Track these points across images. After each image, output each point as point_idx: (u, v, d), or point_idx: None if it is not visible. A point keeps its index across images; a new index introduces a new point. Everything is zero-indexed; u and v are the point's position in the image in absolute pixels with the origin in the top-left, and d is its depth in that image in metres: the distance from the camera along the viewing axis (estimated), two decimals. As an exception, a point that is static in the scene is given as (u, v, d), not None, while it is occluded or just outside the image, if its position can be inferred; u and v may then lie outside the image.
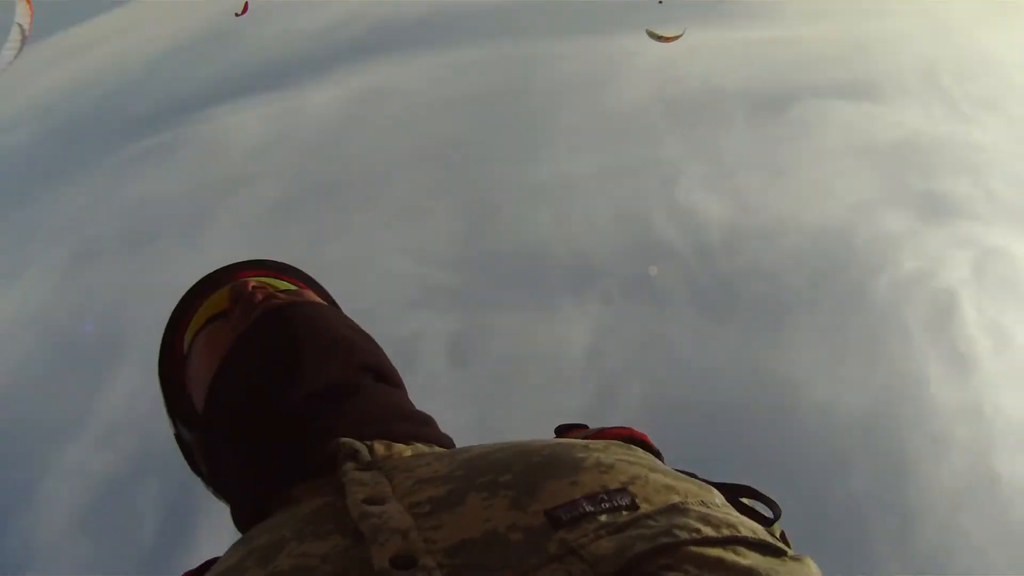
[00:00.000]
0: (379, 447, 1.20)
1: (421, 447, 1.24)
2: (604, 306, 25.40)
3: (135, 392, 24.09)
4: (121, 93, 44.09)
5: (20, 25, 12.84)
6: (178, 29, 42.84)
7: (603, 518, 0.86)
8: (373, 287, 27.02)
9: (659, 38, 23.52)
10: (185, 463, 1.68)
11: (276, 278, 1.77)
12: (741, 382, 22.46)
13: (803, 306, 24.35)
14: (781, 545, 0.87)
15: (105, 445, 22.98)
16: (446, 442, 1.32)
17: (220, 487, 1.54)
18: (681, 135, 31.98)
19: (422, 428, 1.32)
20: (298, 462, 1.24)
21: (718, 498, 0.96)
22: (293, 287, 1.76)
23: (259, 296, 1.54)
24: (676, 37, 23.38)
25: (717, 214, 28.06)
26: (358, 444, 1.17)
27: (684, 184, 29.46)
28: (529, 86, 37.86)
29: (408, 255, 28.48)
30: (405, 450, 1.21)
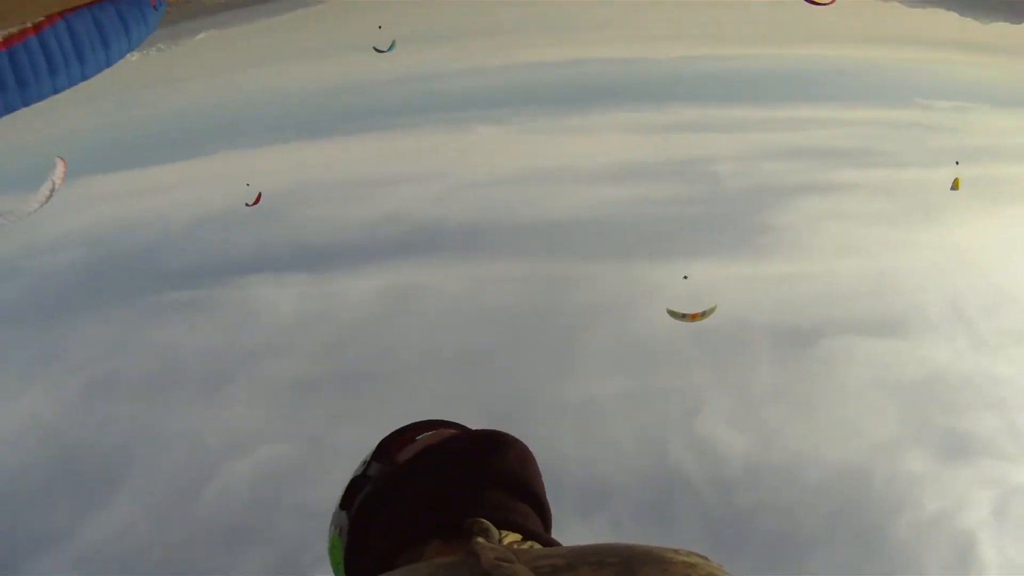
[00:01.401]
0: (510, 536, 1.48)
1: (537, 545, 1.51)
2: (613, 529, 25.20)
3: (123, 525, 24.26)
4: (167, 243, 45.64)
5: (53, 181, 13.28)
6: (231, 194, 44.37)
7: None
8: None
9: (682, 317, 23.78)
10: (341, 497, 1.88)
11: None
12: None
13: (819, 546, 24.05)
14: None
15: (79, 568, 23.29)
16: None
17: (368, 522, 1.75)
18: (707, 365, 32.21)
19: (546, 538, 1.58)
20: (440, 522, 1.53)
21: None
22: None
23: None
24: (701, 316, 23.54)
25: (737, 446, 28.05)
26: (491, 525, 1.45)
27: (706, 414, 29.70)
28: (562, 304, 38.71)
29: None
30: (527, 543, 1.50)
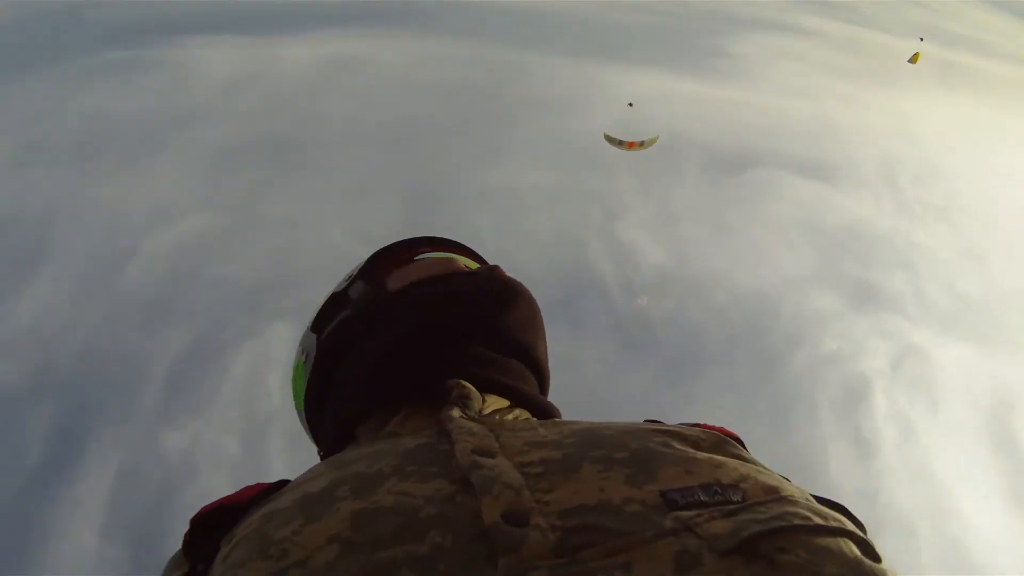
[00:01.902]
0: (492, 400, 1.20)
1: (527, 416, 1.24)
2: None
3: (45, 304, 23.73)
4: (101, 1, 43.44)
5: None
6: None
7: (717, 505, 0.83)
8: (304, 250, 26.83)
9: (619, 144, 21.82)
10: (317, 314, 1.59)
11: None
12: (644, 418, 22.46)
13: (718, 363, 24.48)
14: (879, 551, 0.83)
15: (2, 356, 22.44)
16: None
17: (338, 354, 1.46)
18: (637, 173, 31.94)
19: (545, 406, 1.30)
20: (414, 382, 1.23)
21: (816, 502, 0.90)
22: None
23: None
24: (640, 146, 21.81)
25: (653, 256, 28.22)
26: (474, 391, 1.17)
27: (627, 220, 29.64)
28: (509, 91, 38.09)
29: (345, 228, 28.42)
30: (513, 412, 1.22)
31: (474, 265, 1.66)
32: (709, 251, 28.62)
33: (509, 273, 1.53)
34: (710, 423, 1.12)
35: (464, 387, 1.17)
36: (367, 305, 1.48)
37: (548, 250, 28.05)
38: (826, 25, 49.36)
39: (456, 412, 1.09)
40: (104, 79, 36.87)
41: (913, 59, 32.12)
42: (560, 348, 24.20)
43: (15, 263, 25.72)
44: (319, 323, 1.57)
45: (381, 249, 1.69)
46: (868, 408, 24.43)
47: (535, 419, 1.22)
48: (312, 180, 30.72)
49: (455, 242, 1.79)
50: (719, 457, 0.95)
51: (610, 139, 21.32)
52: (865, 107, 40.26)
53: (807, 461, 22.44)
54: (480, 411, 1.15)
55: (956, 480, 23.16)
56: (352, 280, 1.59)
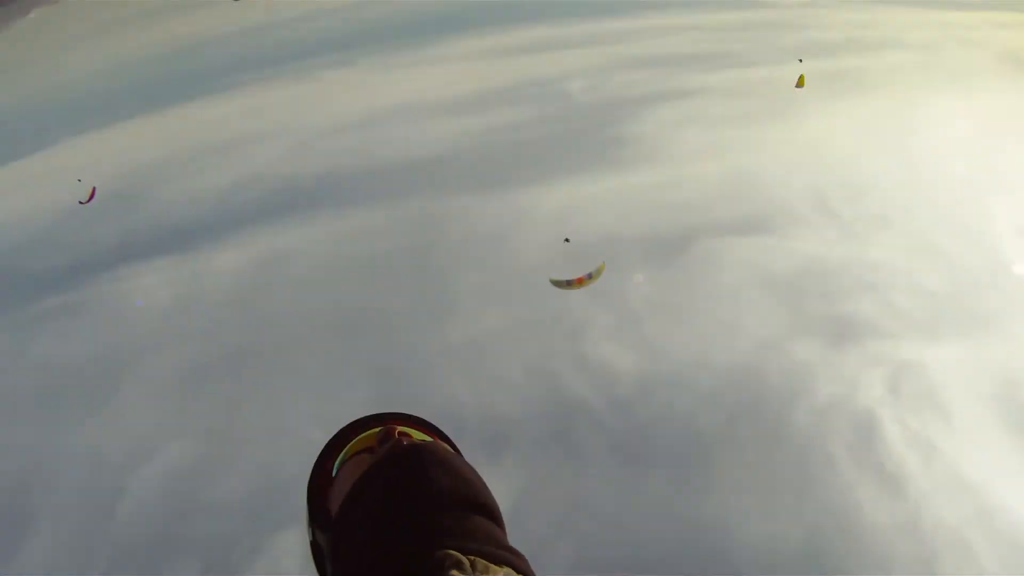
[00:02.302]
0: (479, 563, 1.44)
1: (511, 571, 1.50)
2: (523, 466, 25.06)
3: (42, 565, 23.23)
4: (28, 247, 43.13)
5: None
6: (82, 186, 42.39)
7: None
8: (287, 457, 26.44)
9: (567, 285, 22.01)
10: (314, 565, 1.87)
11: (417, 430, 2.15)
12: (673, 527, 22.15)
13: (725, 447, 24.23)
14: None
15: None
16: (530, 574, 1.56)
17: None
18: (584, 288, 32.13)
19: (516, 560, 1.56)
20: (409, 564, 1.45)
21: None
22: (429, 438, 2.10)
23: (405, 439, 1.84)
24: (588, 280, 21.64)
25: (626, 363, 28.03)
26: (463, 557, 1.42)
27: (590, 336, 29.55)
28: (432, 244, 38.24)
29: (322, 424, 27.90)
30: (499, 570, 1.46)
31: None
32: (677, 340, 28.53)
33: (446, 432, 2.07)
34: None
35: (452, 555, 1.40)
36: (333, 546, 1.72)
37: (524, 390, 27.82)
38: (710, 80, 50.51)
39: (456, 572, 1.33)
40: (47, 326, 36.38)
41: (799, 83, 32.91)
42: (565, 486, 24.02)
43: (3, 536, 24.81)
44: (320, 570, 1.84)
45: (310, 478, 1.97)
46: (883, 441, 24.06)
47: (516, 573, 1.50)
48: (277, 383, 30.13)
49: (363, 420, 2.11)
50: None
51: (557, 283, 21.89)
52: (773, 146, 41.06)
53: (841, 514, 22.09)
54: (473, 568, 1.38)
55: (991, 477, 22.81)
56: (311, 529, 1.88)
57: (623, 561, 21.34)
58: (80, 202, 32.93)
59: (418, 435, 2.08)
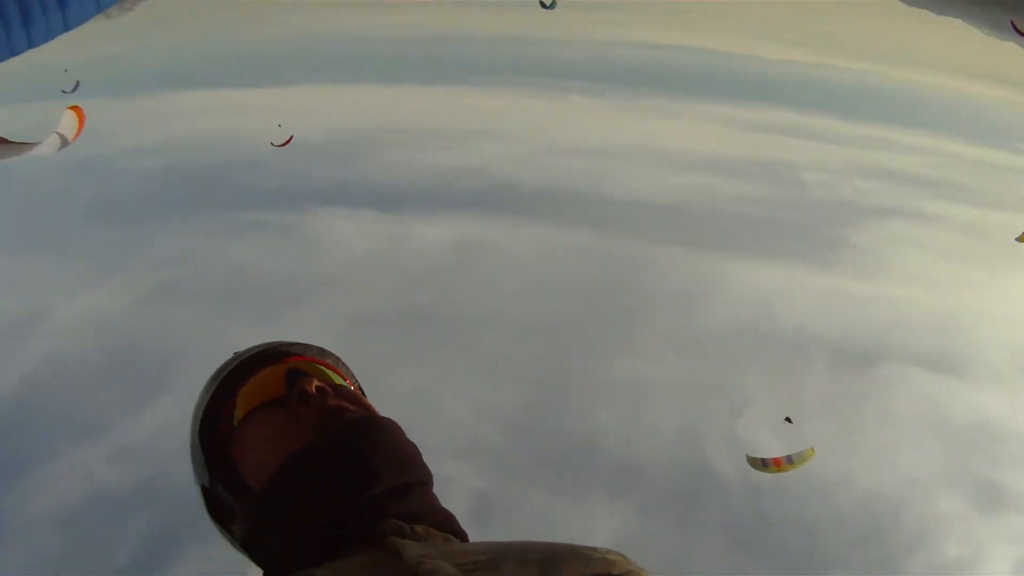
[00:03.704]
0: (420, 530, 1.49)
1: (450, 536, 1.54)
2: (638, 513, 25.45)
3: (164, 424, 24.57)
4: (246, 165, 45.95)
5: (62, 135, 11.71)
6: (313, 126, 44.62)
7: None
8: (425, 424, 27.34)
9: (763, 466, 19.30)
10: (206, 510, 1.82)
11: (321, 364, 2.00)
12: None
13: (835, 569, 23.89)
14: None
15: (115, 462, 24.41)
16: (463, 536, 1.60)
17: (256, 544, 1.70)
18: (761, 368, 32.20)
19: (450, 523, 1.60)
20: (350, 534, 1.49)
21: None
22: (341, 379, 2.00)
23: (331, 402, 1.75)
24: (788, 465, 18.89)
25: (775, 454, 27.70)
26: (404, 525, 1.47)
27: (749, 416, 29.45)
28: (634, 283, 38.73)
29: (470, 406, 29.32)
30: (439, 535, 1.52)
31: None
32: (832, 449, 27.76)
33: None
34: None
35: (393, 522, 1.45)
36: (255, 517, 1.66)
37: (668, 444, 28.19)
38: (948, 209, 48.55)
39: (396, 538, 1.39)
40: (245, 236, 39.32)
41: (1021, 238, 31.34)
42: (673, 546, 24.09)
43: (140, 384, 27.40)
44: (222, 524, 1.80)
45: (202, 417, 1.84)
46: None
47: (454, 539, 1.53)
48: (441, 357, 31.65)
49: (271, 349, 1.96)
50: (612, 557, 1.36)
51: (753, 462, 19.45)
52: (994, 294, 39.23)
53: None
54: (414, 531, 1.46)
55: None
56: (208, 474, 1.79)
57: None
58: (272, 143, 34.59)
59: (331, 375, 1.94)
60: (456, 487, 23.64)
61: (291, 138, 34.96)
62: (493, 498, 24.78)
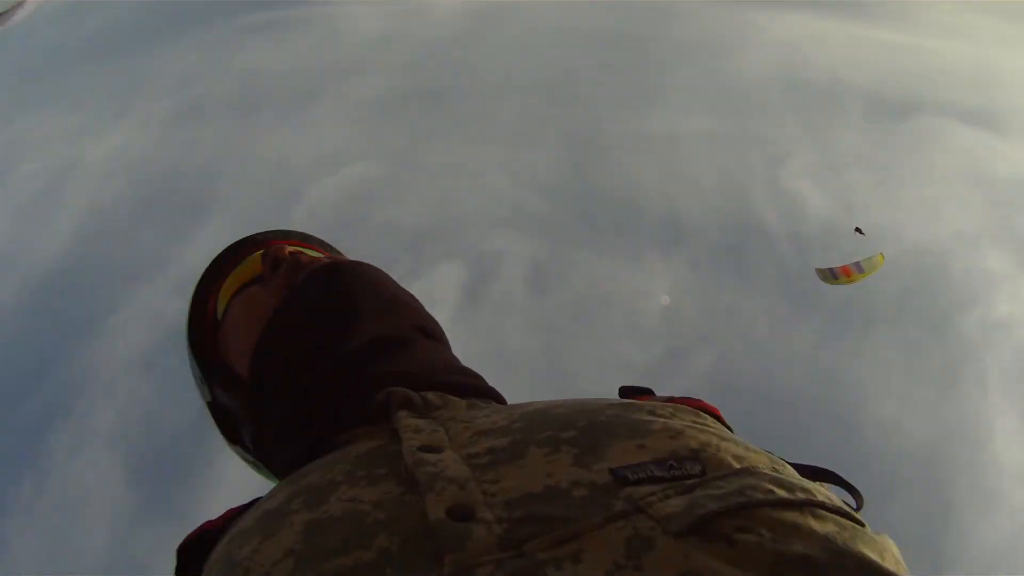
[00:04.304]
0: (433, 397, 1.16)
1: (476, 401, 1.21)
2: (689, 268, 25.59)
3: (214, 247, 24.68)
4: None
5: None
6: None
7: (672, 480, 0.82)
8: (466, 198, 27.44)
9: (832, 278, 18.34)
10: (219, 431, 1.63)
11: (307, 247, 1.77)
12: (810, 376, 22.37)
13: (886, 320, 24.05)
14: (859, 516, 0.82)
15: (177, 293, 23.46)
16: (498, 397, 1.30)
17: (264, 446, 1.47)
18: (797, 118, 31.45)
19: (474, 381, 1.30)
20: (348, 410, 1.21)
21: (791, 470, 0.89)
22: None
23: (303, 258, 1.54)
24: (859, 274, 17.98)
25: (818, 205, 27.67)
26: (411, 393, 1.15)
27: (791, 167, 28.98)
28: (660, 35, 37.61)
29: (507, 175, 28.88)
30: (460, 402, 1.17)
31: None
32: (874, 200, 27.81)
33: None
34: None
35: (399, 391, 1.14)
36: (247, 404, 1.47)
37: (710, 197, 28.12)
38: None
39: (404, 412, 1.09)
40: (255, 39, 37.83)
41: None
42: (724, 299, 24.26)
43: (182, 215, 27.35)
44: (230, 435, 1.60)
45: (188, 330, 1.68)
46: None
47: (489, 405, 1.20)
48: (470, 128, 31.40)
49: (249, 239, 1.81)
50: (677, 425, 0.91)
51: (821, 273, 18.55)
52: None
53: (973, 432, 21.97)
54: (426, 407, 1.14)
55: None
56: (206, 385, 1.62)
57: (755, 385, 21.78)
58: None
59: (313, 253, 1.71)
60: (508, 258, 23.61)
61: None
62: (547, 264, 24.98)
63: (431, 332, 1.43)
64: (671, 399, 1.08)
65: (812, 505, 0.77)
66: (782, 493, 0.77)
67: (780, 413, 21.01)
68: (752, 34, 37.00)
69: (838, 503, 0.82)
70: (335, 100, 32.39)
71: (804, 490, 0.79)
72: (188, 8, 39.76)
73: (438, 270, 23.97)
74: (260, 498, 1.08)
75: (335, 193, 27.59)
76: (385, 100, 32.55)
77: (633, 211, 27.20)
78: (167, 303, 23.63)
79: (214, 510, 1.07)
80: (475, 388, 1.26)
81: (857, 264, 18.05)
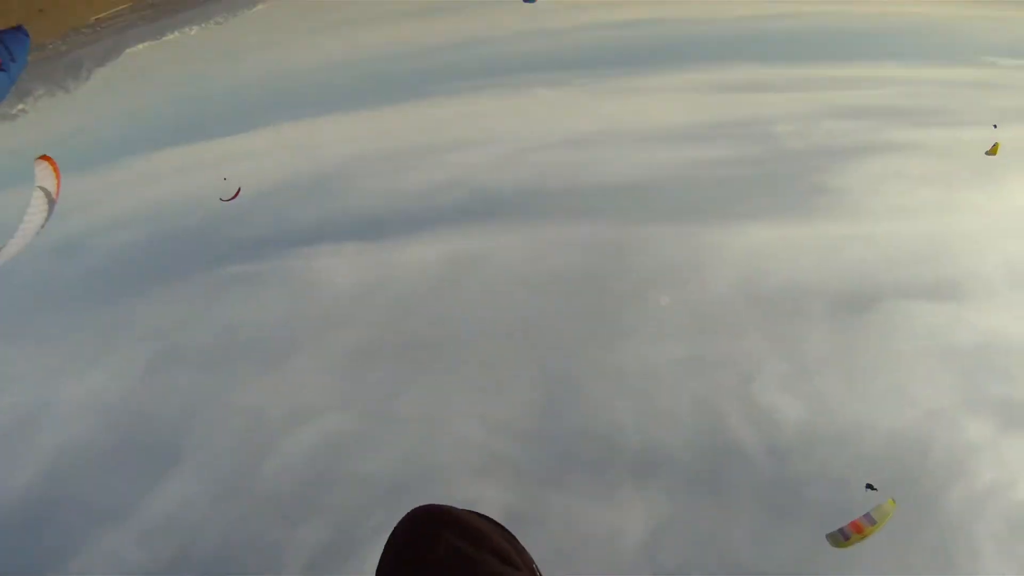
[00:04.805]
0: None
1: None
2: (667, 497, 25.78)
3: (185, 497, 25.44)
4: (228, 217, 44.65)
5: (44, 189, 11.08)
6: (290, 167, 45.06)
7: None
8: (439, 448, 27.66)
9: (843, 539, 17.38)
10: None
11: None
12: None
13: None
14: None
15: (143, 543, 24.33)
16: None
17: None
18: (763, 331, 32.48)
19: None
20: None
21: None
22: None
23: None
24: (870, 527, 17.17)
25: (792, 414, 28.28)
26: None
27: (761, 382, 29.82)
28: (621, 268, 38.85)
29: (480, 422, 29.34)
30: None
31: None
32: (847, 398, 28.67)
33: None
34: None
35: None
36: None
37: (685, 423, 28.50)
38: (921, 135, 48.55)
39: None
40: (233, 290, 39.24)
41: (992, 151, 31.42)
42: (708, 525, 24.39)
43: (154, 460, 27.61)
44: None
45: None
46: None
47: None
48: (445, 377, 31.74)
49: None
50: None
51: (832, 538, 17.80)
52: (978, 212, 39.55)
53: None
54: None
55: None
56: None
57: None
58: (222, 199, 34.53)
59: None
60: (484, 506, 23.85)
61: (239, 191, 35.07)
62: (522, 511, 24.98)
63: (509, 559, 1.80)
64: None
65: None
66: None
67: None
68: (710, 254, 38.61)
69: None
70: (310, 352, 33.25)
71: None
72: (173, 257, 42.12)
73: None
74: None
75: (308, 445, 28.11)
76: (358, 352, 33.37)
77: (607, 448, 27.66)
78: (130, 551, 24.05)
79: None
80: None
81: (867, 516, 17.63)
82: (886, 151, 47.04)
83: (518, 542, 2.19)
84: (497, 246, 41.96)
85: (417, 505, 2.17)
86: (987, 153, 31.62)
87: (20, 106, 50.71)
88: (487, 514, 2.15)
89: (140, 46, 60.49)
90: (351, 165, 51.64)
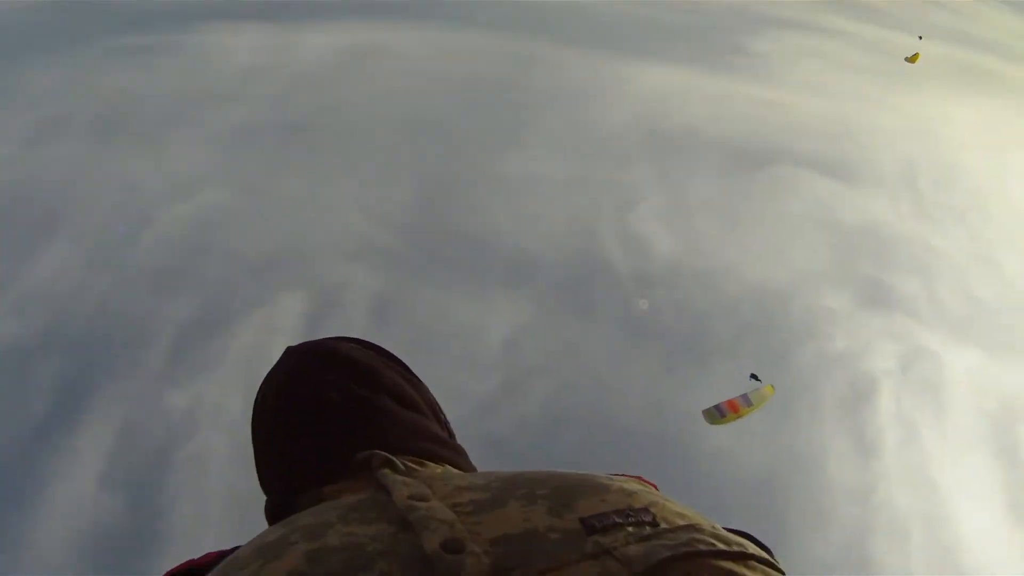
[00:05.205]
0: (412, 462, 1.32)
1: (451, 469, 1.39)
2: (535, 303, 25.52)
3: (60, 266, 24.28)
4: None
5: None
6: None
7: (630, 529, 0.96)
8: (316, 229, 27.20)
9: (719, 417, 16.97)
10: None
11: None
12: (646, 408, 22.47)
13: (724, 353, 24.29)
14: (780, 567, 1.00)
15: (16, 312, 23.20)
16: (467, 465, 1.48)
17: (264, 484, 1.59)
18: (652, 165, 32.15)
19: (450, 455, 1.45)
20: (333, 464, 1.36)
21: (722, 529, 1.03)
22: None
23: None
24: (746, 408, 16.93)
25: (665, 246, 28.24)
26: (392, 457, 1.29)
27: (641, 211, 29.65)
28: (523, 82, 38.18)
29: (359, 209, 28.90)
30: (436, 468, 1.35)
31: None
32: (722, 244, 28.70)
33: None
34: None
35: (380, 454, 1.29)
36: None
37: (560, 238, 28.26)
38: (850, 25, 49.17)
39: (388, 471, 1.23)
40: (125, 61, 37.27)
41: (912, 59, 31.70)
42: (565, 334, 24.43)
43: (31, 229, 26.22)
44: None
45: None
46: (873, 409, 24.26)
47: (457, 471, 1.39)
48: (329, 164, 31.15)
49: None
50: (629, 487, 1.09)
51: (710, 415, 17.15)
52: (886, 108, 40.04)
53: (807, 456, 22.37)
54: (407, 469, 1.29)
55: (955, 486, 22.84)
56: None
57: (589, 416, 21.88)
58: None
59: None
60: (352, 290, 23.54)
61: None
62: (391, 297, 24.87)
63: (406, 400, 1.54)
64: (621, 474, 1.28)
65: (746, 557, 0.93)
66: (721, 546, 0.92)
67: (618, 442, 21.09)
68: (616, 84, 38.13)
69: (764, 556, 0.98)
70: (195, 127, 32.12)
71: (739, 544, 0.95)
72: (62, 25, 39.76)
73: (281, 299, 23.81)
74: (220, 552, 1.22)
75: (185, 219, 27.34)
76: (246, 130, 32.36)
77: (482, 249, 27.35)
78: (3, 321, 22.87)
79: None
80: (451, 460, 1.43)
81: (745, 397, 17.38)
82: (814, 30, 47.35)
83: (413, 374, 1.71)
84: (402, 43, 40.75)
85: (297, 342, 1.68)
86: (907, 59, 31.64)
87: None
88: (373, 341, 1.67)
89: None
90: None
